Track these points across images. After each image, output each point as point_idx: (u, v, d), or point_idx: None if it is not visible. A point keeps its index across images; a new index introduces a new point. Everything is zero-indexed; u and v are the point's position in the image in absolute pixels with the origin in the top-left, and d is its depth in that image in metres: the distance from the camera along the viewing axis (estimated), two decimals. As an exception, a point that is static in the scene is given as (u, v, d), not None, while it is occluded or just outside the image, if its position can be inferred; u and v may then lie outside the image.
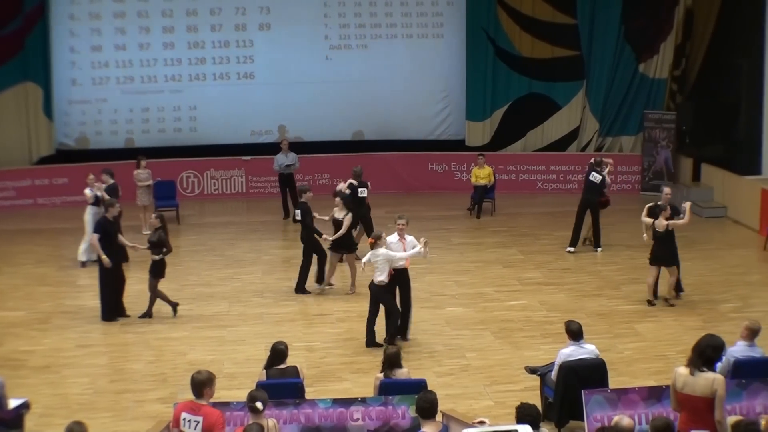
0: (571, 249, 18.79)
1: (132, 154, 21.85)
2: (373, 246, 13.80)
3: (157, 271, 15.04)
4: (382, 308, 13.80)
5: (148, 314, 15.17)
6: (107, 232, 15.08)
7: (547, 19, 24.33)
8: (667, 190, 15.79)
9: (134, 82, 23.96)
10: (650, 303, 15.49)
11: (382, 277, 13.65)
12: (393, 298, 13.85)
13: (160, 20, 23.82)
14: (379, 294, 13.71)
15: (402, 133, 24.86)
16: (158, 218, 15.31)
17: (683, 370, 8.63)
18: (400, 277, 13.93)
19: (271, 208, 22.28)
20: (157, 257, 14.98)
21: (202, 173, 23.98)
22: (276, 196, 22.40)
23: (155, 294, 15.16)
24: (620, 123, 24.65)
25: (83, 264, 17.87)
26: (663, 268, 15.44)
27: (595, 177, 18.54)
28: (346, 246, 16.35)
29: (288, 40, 24.22)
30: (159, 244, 14.99)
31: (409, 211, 21.02)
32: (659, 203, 15.46)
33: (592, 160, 19.09)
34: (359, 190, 18.27)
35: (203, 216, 22.51)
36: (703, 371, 8.52)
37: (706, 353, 8.60)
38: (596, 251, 18.76)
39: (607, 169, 18.68)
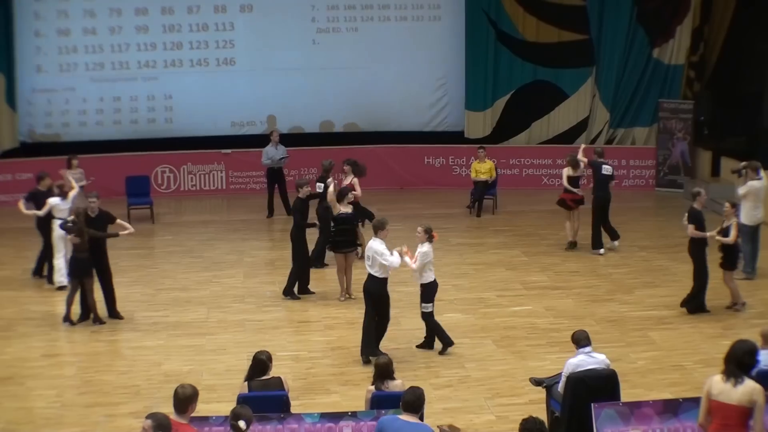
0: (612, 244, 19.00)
1: (104, 147, 21.73)
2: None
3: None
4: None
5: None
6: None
7: (554, 1, 24.36)
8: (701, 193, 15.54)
9: (105, 69, 23.91)
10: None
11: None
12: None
13: (133, 1, 23.74)
14: None
15: (396, 124, 24.87)
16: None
17: (720, 378, 8.64)
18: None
19: (253, 206, 22.27)
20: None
21: (178, 168, 23.97)
22: (259, 192, 22.39)
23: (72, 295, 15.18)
24: (633, 113, 24.69)
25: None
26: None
27: (606, 170, 18.62)
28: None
29: (271, 23, 24.22)
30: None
31: (404, 209, 21.16)
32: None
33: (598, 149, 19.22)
34: (317, 185, 17.87)
35: (180, 214, 22.48)
36: (742, 381, 8.52)
37: (745, 360, 8.60)
38: (593, 252, 18.84)
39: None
